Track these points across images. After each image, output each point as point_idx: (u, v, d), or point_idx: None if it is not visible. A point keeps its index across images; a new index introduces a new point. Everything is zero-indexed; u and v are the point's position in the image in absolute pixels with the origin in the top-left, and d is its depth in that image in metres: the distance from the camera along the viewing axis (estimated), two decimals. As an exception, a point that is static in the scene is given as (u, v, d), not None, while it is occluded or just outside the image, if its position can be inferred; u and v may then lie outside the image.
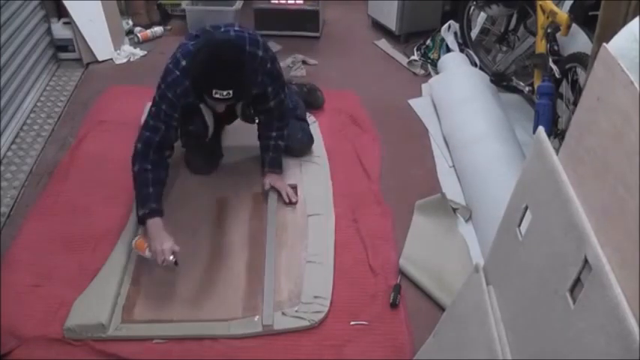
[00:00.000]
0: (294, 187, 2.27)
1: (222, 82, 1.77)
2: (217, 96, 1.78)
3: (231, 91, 1.78)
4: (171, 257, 1.81)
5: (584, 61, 2.08)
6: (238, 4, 3.58)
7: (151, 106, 1.99)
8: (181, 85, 1.91)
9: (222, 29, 2.03)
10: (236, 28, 2.05)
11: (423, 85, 3.07)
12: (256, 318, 1.75)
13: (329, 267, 1.93)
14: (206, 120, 2.13)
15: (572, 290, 0.87)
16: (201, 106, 2.07)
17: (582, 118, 0.97)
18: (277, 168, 2.26)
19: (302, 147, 2.45)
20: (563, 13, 2.28)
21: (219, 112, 2.04)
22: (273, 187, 2.22)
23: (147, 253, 1.86)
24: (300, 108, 2.58)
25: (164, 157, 2.01)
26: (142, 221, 1.90)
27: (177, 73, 1.92)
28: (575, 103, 2.16)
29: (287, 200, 2.19)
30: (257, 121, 2.22)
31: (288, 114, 2.28)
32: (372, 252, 2.00)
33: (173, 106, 1.95)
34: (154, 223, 1.87)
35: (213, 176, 2.34)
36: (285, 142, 2.27)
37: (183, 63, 1.92)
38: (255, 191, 2.27)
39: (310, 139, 2.48)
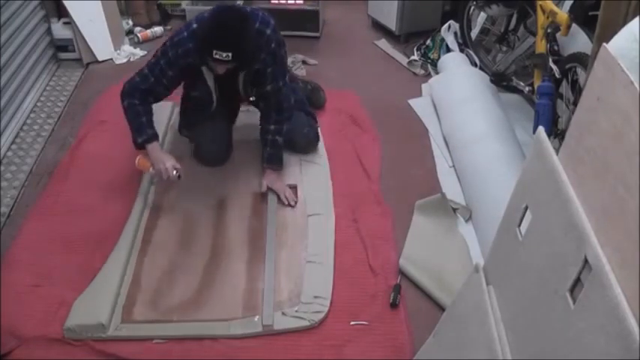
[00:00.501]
0: (294, 188, 2.28)
1: (223, 44, 1.87)
2: (217, 56, 1.87)
3: (230, 54, 1.86)
4: (174, 172, 2.05)
5: (584, 61, 2.08)
6: (238, 4, 3.58)
7: (152, 57, 2.11)
8: (184, 45, 2.01)
9: (241, 3, 2.12)
10: (254, 7, 2.17)
11: (423, 85, 3.07)
12: (256, 318, 1.75)
13: (329, 267, 1.93)
14: (209, 85, 2.17)
15: (572, 290, 0.87)
16: (203, 69, 2.11)
17: (582, 118, 0.97)
18: (275, 164, 2.26)
19: (307, 143, 2.45)
20: (563, 13, 2.28)
21: (219, 75, 2.07)
22: (270, 189, 2.23)
23: (151, 171, 2.12)
24: (307, 104, 2.59)
25: (148, 102, 2.13)
26: (141, 146, 2.10)
27: (185, 34, 2.02)
28: (575, 103, 2.16)
29: (285, 203, 2.19)
30: (252, 99, 2.29)
31: (287, 108, 2.28)
32: (372, 252, 2.00)
33: (170, 65, 2.04)
34: (153, 147, 2.09)
35: (213, 176, 2.34)
36: (283, 138, 2.27)
37: (194, 26, 2.03)
38: (255, 191, 2.27)
39: (316, 137, 2.49)
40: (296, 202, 2.21)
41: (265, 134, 2.26)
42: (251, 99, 2.29)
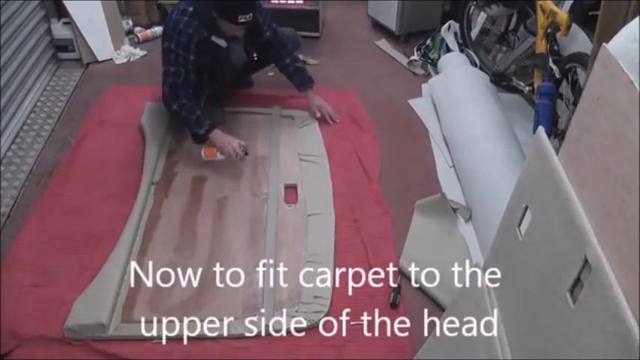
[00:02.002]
0: (294, 187, 2.28)
1: (246, 8, 2.19)
2: (242, 20, 2.18)
3: (251, 14, 2.19)
4: (242, 150, 2.26)
5: (584, 61, 2.08)
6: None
7: (166, 57, 2.26)
8: (192, 25, 2.20)
9: None
10: None
11: (423, 85, 3.07)
12: (256, 318, 1.75)
13: (329, 267, 1.93)
14: (223, 47, 2.36)
15: (572, 290, 0.87)
16: (213, 38, 2.30)
17: (582, 118, 0.97)
18: (309, 83, 2.57)
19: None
20: (563, 13, 2.28)
21: (229, 38, 2.33)
22: (320, 110, 2.57)
23: (219, 157, 2.28)
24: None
25: (190, 96, 2.30)
26: (204, 139, 2.31)
27: (186, 17, 2.20)
28: (575, 103, 2.16)
29: (329, 121, 2.55)
30: (255, 56, 2.58)
31: (288, 39, 2.55)
32: (372, 252, 2.00)
33: (187, 49, 2.22)
34: (216, 133, 2.29)
35: (213, 176, 2.34)
36: (299, 63, 2.55)
37: (190, 9, 2.21)
38: (255, 191, 2.27)
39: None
40: (338, 121, 2.55)
41: (285, 69, 2.53)
42: (255, 57, 2.59)
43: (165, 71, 2.26)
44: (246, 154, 2.29)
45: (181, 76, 2.24)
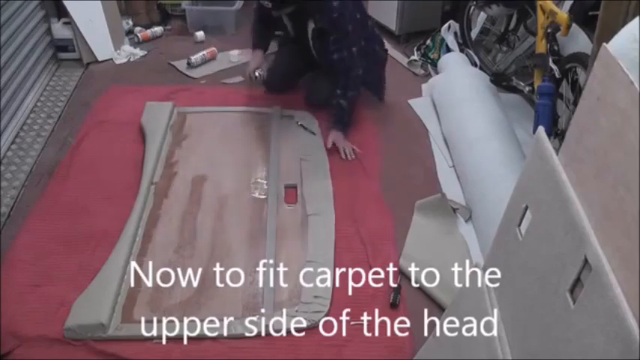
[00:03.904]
0: (294, 187, 2.28)
1: None
2: (263, 2, 2.40)
3: (269, 3, 2.38)
4: (256, 73, 2.74)
5: (584, 61, 2.08)
6: (238, 4, 3.58)
7: None
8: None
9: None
10: None
11: (423, 85, 3.07)
12: (256, 318, 1.75)
13: (329, 267, 1.93)
14: (285, 24, 2.68)
15: (572, 290, 0.87)
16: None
17: (582, 118, 0.97)
18: (339, 125, 2.54)
19: (317, 99, 2.76)
20: (563, 13, 2.27)
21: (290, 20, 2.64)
22: (334, 145, 2.49)
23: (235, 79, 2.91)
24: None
25: (261, 24, 2.79)
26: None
27: None
28: (575, 103, 2.16)
29: (343, 157, 2.47)
30: (314, 50, 2.65)
31: (352, 77, 2.54)
32: (372, 252, 2.00)
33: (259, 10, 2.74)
34: (255, 53, 2.81)
35: (213, 176, 2.34)
36: (347, 102, 2.52)
37: None
38: (255, 191, 2.27)
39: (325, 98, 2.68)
40: (355, 158, 2.48)
41: (333, 98, 2.54)
42: (312, 46, 2.64)
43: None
44: (256, 76, 2.73)
45: (257, 13, 2.78)
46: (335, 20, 2.42)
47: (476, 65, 3.03)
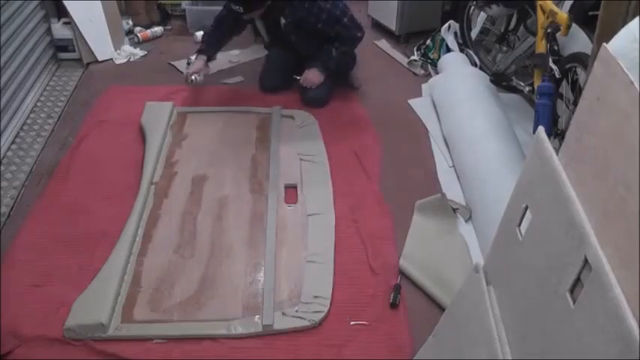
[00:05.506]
0: (294, 187, 2.28)
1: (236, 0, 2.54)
2: (234, 8, 2.53)
3: (241, 8, 2.52)
4: (192, 77, 2.72)
5: (584, 61, 2.08)
6: (238, 4, 3.57)
7: None
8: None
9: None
10: None
11: (423, 85, 3.07)
12: (256, 318, 1.75)
13: (329, 267, 1.93)
14: (258, 29, 2.94)
15: (572, 290, 0.87)
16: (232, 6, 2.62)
17: (582, 118, 0.97)
18: (319, 64, 2.67)
19: (311, 100, 2.80)
20: (563, 13, 2.27)
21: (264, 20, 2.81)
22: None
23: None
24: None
25: (221, 26, 2.81)
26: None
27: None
28: (575, 103, 2.16)
29: (302, 84, 2.69)
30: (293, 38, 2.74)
31: (346, 36, 2.67)
32: (372, 252, 2.00)
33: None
34: (198, 58, 2.80)
35: (213, 176, 2.34)
36: (336, 51, 2.64)
37: None
38: (255, 191, 2.27)
39: (323, 99, 2.81)
40: (313, 85, 2.66)
41: (325, 46, 2.67)
42: (292, 38, 2.74)
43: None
44: (191, 81, 2.71)
45: (222, 13, 2.78)
46: (309, 9, 2.55)
47: (476, 65, 3.03)
